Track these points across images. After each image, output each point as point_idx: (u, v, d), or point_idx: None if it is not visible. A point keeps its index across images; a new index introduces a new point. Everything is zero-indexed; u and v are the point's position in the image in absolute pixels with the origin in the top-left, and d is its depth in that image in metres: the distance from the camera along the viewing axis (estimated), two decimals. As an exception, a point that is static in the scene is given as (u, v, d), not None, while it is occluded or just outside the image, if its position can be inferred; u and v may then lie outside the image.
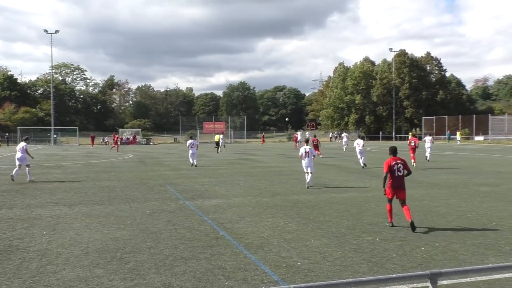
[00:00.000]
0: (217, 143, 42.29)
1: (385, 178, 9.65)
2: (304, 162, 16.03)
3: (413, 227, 9.24)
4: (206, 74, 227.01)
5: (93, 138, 62.76)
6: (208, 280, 6.44)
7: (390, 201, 9.69)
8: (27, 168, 19.18)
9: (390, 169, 9.55)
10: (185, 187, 16.65)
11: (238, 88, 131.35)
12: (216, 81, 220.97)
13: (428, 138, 29.66)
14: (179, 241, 8.59)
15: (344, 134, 48.96)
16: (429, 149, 28.51)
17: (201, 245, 8.26)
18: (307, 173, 16.04)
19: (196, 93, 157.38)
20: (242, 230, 9.51)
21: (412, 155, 24.77)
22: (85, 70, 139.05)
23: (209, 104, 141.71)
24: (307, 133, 61.98)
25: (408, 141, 26.06)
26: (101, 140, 73.02)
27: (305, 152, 15.99)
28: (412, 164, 24.03)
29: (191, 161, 25.52)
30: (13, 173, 18.70)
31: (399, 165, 9.58)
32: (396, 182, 9.55)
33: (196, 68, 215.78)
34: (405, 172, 9.70)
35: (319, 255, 7.62)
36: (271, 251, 7.90)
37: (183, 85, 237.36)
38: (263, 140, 68.10)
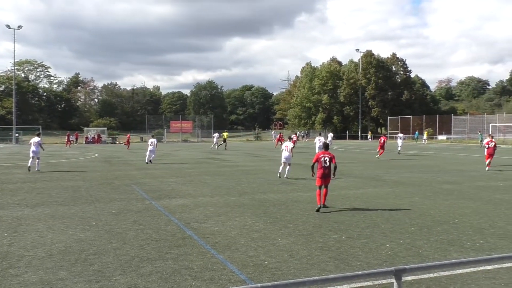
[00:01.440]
0: (225, 140, 46.23)
1: (313, 166, 12.06)
2: (284, 155, 18.70)
3: (319, 209, 11.25)
4: (174, 72, 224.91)
5: (68, 136, 58.00)
6: (175, 280, 6.38)
7: (320, 187, 11.52)
8: (37, 160, 22.15)
9: (318, 160, 11.65)
10: (152, 186, 16.46)
11: (206, 87, 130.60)
12: (183, 80, 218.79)
13: (400, 135, 36.09)
14: (146, 241, 8.48)
15: (329, 135, 53.37)
16: (400, 144, 34.46)
17: (168, 245, 8.18)
18: (284, 164, 18.64)
19: (163, 92, 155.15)
20: (209, 229, 9.47)
21: (380, 150, 29.55)
22: (49, 67, 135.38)
23: (177, 103, 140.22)
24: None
25: (379, 140, 31.30)
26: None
27: (285, 146, 19.06)
28: (376, 157, 29.63)
29: (147, 158, 27.06)
30: (29, 164, 22.05)
31: (326, 158, 11.63)
32: (323, 172, 11.50)
33: (163, 67, 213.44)
34: (332, 165, 11.69)
35: (286, 254, 7.66)
36: (238, 250, 7.89)
37: (150, 83, 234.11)
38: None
